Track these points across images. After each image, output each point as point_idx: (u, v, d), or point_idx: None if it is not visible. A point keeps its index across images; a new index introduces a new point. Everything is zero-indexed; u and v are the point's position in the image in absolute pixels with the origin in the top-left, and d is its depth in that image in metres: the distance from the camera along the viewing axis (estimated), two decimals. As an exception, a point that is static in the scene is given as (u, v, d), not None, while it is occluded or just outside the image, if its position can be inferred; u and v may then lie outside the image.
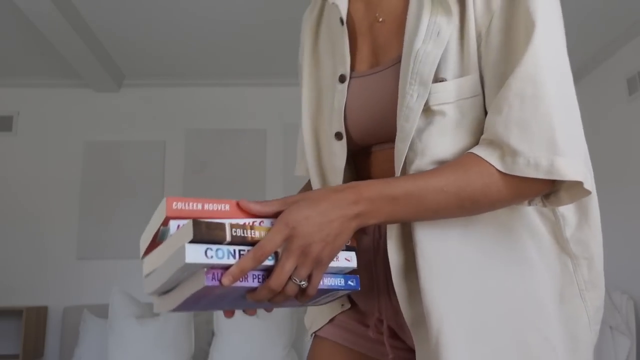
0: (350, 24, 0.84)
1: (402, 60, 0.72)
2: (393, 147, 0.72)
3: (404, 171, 0.70)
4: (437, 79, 0.69)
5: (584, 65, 3.87)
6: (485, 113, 0.69)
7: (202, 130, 3.88)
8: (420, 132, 0.70)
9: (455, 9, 0.70)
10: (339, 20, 0.83)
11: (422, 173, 0.66)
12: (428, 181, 0.64)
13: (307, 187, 0.97)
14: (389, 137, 0.75)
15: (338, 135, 0.81)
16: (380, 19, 0.81)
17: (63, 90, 3.91)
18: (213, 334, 3.27)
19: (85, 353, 3.17)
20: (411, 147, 0.70)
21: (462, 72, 0.69)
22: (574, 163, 0.61)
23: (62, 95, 3.91)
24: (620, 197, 3.54)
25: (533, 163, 0.61)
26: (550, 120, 0.62)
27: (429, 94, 0.69)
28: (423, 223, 0.68)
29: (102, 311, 3.32)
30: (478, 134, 0.69)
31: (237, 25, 3.15)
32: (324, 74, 0.88)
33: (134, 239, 3.68)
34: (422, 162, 0.69)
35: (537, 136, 0.62)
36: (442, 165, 0.67)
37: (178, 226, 0.58)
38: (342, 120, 0.80)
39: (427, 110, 0.69)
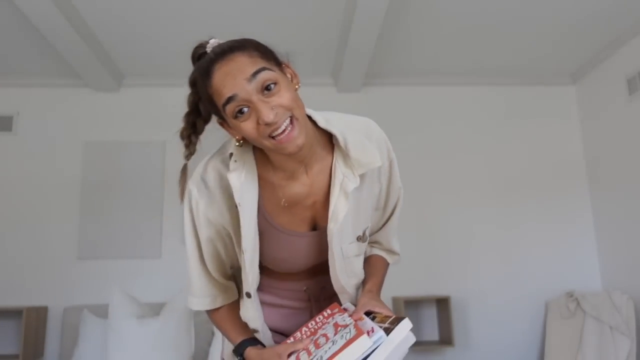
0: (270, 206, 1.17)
1: (328, 229, 1.11)
2: None
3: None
4: (351, 240, 1.17)
5: (584, 65, 3.87)
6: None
7: (202, 130, 3.87)
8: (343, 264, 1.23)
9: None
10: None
11: (377, 269, 1.28)
12: (383, 272, 1.29)
13: None
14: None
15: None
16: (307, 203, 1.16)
17: (63, 90, 3.91)
18: (213, 333, 3.27)
19: (85, 353, 3.17)
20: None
21: (355, 234, 1.17)
22: None
23: (62, 95, 3.91)
24: (620, 197, 3.55)
25: (399, 257, 1.36)
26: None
27: (343, 250, 1.16)
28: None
29: (102, 311, 3.33)
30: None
31: (238, 25, 3.15)
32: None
33: (134, 239, 3.71)
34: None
35: (398, 245, 1.34)
36: (375, 262, 1.30)
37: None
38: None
39: (346, 258, 1.18)
